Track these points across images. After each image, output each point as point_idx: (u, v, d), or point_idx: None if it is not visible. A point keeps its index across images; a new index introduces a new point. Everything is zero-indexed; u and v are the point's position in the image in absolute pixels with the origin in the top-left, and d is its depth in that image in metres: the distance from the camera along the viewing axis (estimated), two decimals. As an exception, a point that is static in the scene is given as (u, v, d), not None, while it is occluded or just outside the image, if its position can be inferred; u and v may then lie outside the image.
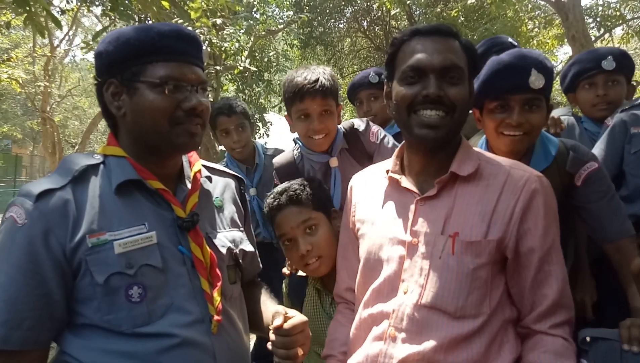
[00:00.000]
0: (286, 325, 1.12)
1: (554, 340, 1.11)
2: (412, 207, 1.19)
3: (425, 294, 1.11)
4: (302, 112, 1.74)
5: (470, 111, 1.90)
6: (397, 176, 1.25)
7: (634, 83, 2.17)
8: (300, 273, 1.70)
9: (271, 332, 1.15)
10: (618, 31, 12.35)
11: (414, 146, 1.23)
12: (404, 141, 1.30)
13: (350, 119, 1.98)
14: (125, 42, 1.11)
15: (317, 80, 1.70)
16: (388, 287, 1.18)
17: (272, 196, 1.57)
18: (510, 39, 2.21)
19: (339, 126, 1.87)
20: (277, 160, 2.01)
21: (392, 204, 1.25)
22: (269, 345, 1.16)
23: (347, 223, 1.41)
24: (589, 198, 1.55)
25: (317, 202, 1.54)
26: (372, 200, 1.32)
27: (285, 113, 1.86)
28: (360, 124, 1.91)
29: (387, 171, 1.29)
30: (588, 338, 1.19)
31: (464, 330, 1.08)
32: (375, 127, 1.90)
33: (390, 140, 1.88)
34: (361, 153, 1.87)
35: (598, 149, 1.92)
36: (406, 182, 1.24)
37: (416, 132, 1.16)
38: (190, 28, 1.22)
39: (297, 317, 1.15)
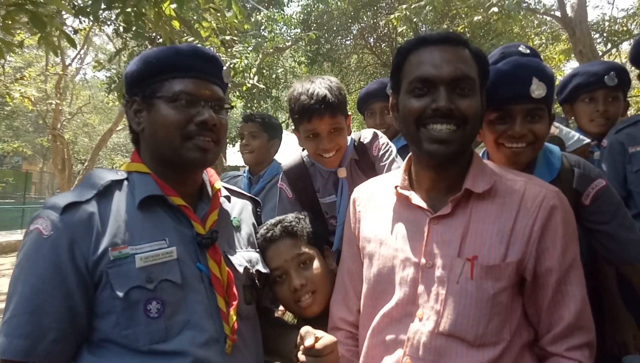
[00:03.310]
0: (317, 345, 1.11)
1: None
2: (425, 227, 1.12)
3: (442, 321, 1.05)
4: (310, 132, 1.66)
5: None
6: (406, 193, 1.18)
7: (628, 100, 2.18)
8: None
9: (300, 352, 1.13)
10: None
11: (424, 161, 1.16)
12: (410, 154, 1.23)
13: (362, 130, 1.93)
14: (145, 61, 1.16)
15: (324, 97, 1.59)
16: (401, 312, 1.11)
17: (265, 227, 1.45)
18: (522, 47, 2.09)
19: (349, 137, 1.80)
20: (286, 163, 1.95)
21: (402, 223, 1.18)
22: None
23: (350, 238, 1.33)
24: (600, 219, 1.48)
25: (312, 237, 1.45)
26: (379, 217, 1.24)
27: (293, 128, 1.79)
28: (367, 136, 1.84)
29: (396, 187, 1.22)
30: None
31: (485, 359, 1.03)
32: (381, 141, 1.83)
33: (389, 157, 1.81)
34: (367, 165, 1.81)
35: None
36: (417, 199, 1.17)
37: (426, 147, 1.09)
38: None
39: (327, 337, 1.14)
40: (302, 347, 1.13)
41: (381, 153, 1.80)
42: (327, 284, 1.42)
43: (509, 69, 1.39)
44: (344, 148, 1.75)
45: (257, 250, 1.35)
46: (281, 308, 1.57)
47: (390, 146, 1.83)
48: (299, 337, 1.16)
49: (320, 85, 1.64)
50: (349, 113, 1.79)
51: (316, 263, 1.41)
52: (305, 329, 1.15)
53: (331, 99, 1.61)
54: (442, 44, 1.12)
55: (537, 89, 1.35)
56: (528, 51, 2.01)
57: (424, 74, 1.09)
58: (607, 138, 2.01)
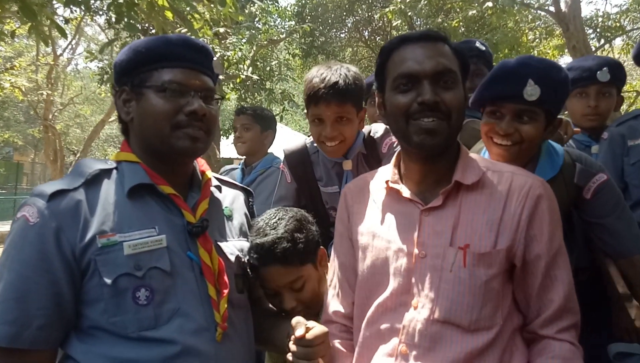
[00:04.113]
0: (308, 336, 1.11)
1: (561, 345, 1.09)
2: (417, 218, 1.15)
3: (437, 309, 1.08)
4: (315, 116, 1.65)
5: (470, 119, 1.90)
6: (397, 187, 1.21)
7: (622, 95, 2.19)
8: None
9: (292, 342, 1.14)
10: (618, 42, 12.42)
11: (413, 155, 1.19)
12: (399, 149, 1.26)
13: (373, 124, 1.89)
14: (135, 51, 1.16)
15: (334, 84, 1.57)
16: (395, 302, 1.14)
17: (255, 250, 1.30)
18: (478, 43, 2.10)
19: (362, 130, 1.77)
20: (288, 148, 1.91)
21: (394, 216, 1.20)
22: (289, 356, 1.14)
23: (342, 232, 1.33)
24: (601, 212, 1.50)
25: (306, 254, 1.35)
26: (371, 211, 1.26)
27: (305, 112, 1.76)
28: (378, 131, 1.79)
29: (387, 182, 1.23)
30: None
31: (479, 344, 1.06)
32: (393, 138, 1.77)
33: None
34: (375, 160, 1.77)
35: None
36: (407, 192, 1.19)
37: (414, 139, 1.12)
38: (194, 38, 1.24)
39: (318, 327, 1.14)
40: (292, 336, 1.14)
41: (391, 151, 1.75)
42: (318, 296, 1.39)
43: (510, 66, 1.39)
44: (349, 140, 1.70)
45: (249, 239, 1.35)
46: None
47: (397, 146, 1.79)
48: (290, 327, 1.17)
49: (335, 72, 1.61)
50: (365, 106, 1.72)
51: (309, 283, 1.36)
52: (296, 319, 1.16)
53: (341, 87, 1.58)
54: (423, 41, 1.15)
55: (531, 92, 1.34)
56: (484, 48, 2.05)
57: (407, 70, 1.12)
58: (608, 130, 2.03)
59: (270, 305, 1.53)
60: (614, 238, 1.52)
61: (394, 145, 1.76)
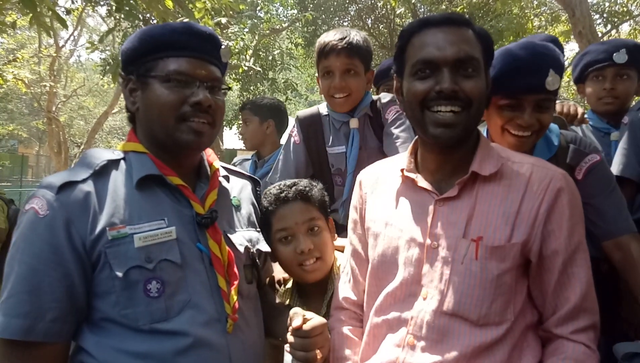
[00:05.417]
0: (306, 327, 1.10)
1: (574, 346, 1.06)
2: (431, 208, 1.12)
3: (446, 301, 1.06)
4: (325, 69, 1.78)
5: None
6: (412, 175, 1.18)
7: None
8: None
9: (289, 333, 1.13)
10: (625, 27, 12.26)
11: (429, 144, 1.15)
12: (416, 137, 1.23)
13: (382, 93, 2.01)
14: (140, 39, 1.14)
15: (344, 37, 1.72)
16: (405, 292, 1.12)
17: (277, 187, 1.42)
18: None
19: (369, 93, 1.89)
20: (301, 112, 2.05)
21: (408, 204, 1.18)
22: (287, 347, 1.14)
23: (356, 219, 1.32)
24: (591, 192, 1.47)
25: (322, 206, 1.45)
26: (385, 199, 1.24)
27: (317, 75, 1.90)
28: (385, 96, 1.91)
29: (402, 170, 1.20)
30: None
31: (488, 338, 1.03)
32: (396, 107, 1.84)
33: (399, 125, 1.81)
34: (379, 125, 1.86)
35: (621, 150, 1.85)
36: (422, 181, 1.16)
37: (431, 131, 1.09)
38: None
39: (316, 318, 1.13)
40: (291, 327, 1.13)
41: (393, 117, 1.84)
42: (331, 254, 1.43)
43: (527, 57, 1.36)
44: (357, 95, 1.82)
45: (258, 229, 1.35)
46: (282, 275, 1.57)
47: (403, 117, 1.83)
48: (289, 319, 1.16)
49: (345, 31, 1.78)
50: (372, 69, 1.87)
51: (324, 232, 1.42)
52: (294, 310, 1.15)
53: (351, 40, 1.73)
54: (445, 25, 1.10)
55: (553, 82, 1.33)
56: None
57: (427, 56, 1.08)
58: (628, 115, 1.94)
59: (279, 279, 1.52)
60: (602, 219, 1.48)
61: (400, 113, 1.83)
